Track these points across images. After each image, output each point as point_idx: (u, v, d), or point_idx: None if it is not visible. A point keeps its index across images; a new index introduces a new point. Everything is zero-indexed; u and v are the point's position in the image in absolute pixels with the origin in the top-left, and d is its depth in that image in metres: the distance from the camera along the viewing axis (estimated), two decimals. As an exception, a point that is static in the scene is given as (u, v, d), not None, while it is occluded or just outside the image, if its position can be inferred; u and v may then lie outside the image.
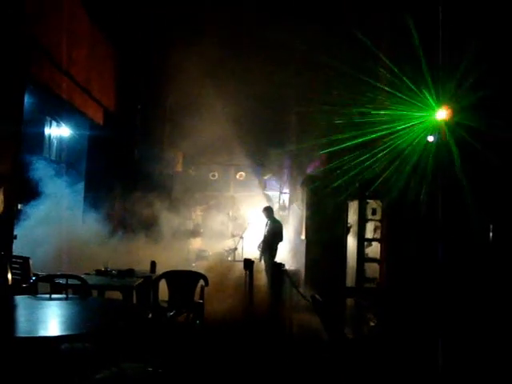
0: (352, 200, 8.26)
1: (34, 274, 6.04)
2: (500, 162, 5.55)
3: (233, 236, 14.02)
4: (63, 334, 3.47)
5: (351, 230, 8.30)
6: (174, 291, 6.29)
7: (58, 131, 10.80)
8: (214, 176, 16.21)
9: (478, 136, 5.85)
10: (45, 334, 3.44)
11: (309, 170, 11.60)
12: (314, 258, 9.84)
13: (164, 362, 5.10)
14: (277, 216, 10.55)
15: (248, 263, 8.44)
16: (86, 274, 6.31)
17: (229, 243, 13.52)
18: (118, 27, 10.10)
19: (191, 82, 10.71)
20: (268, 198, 16.32)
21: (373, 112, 7.46)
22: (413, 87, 6.60)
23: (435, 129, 6.52)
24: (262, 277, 9.51)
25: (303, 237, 10.65)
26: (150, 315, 5.87)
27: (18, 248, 6.67)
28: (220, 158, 15.42)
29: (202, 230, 13.78)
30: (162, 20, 10.37)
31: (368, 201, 7.77)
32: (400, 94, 6.87)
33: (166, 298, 6.35)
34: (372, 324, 7.20)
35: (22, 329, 3.61)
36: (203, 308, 6.38)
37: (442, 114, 6.36)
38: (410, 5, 6.88)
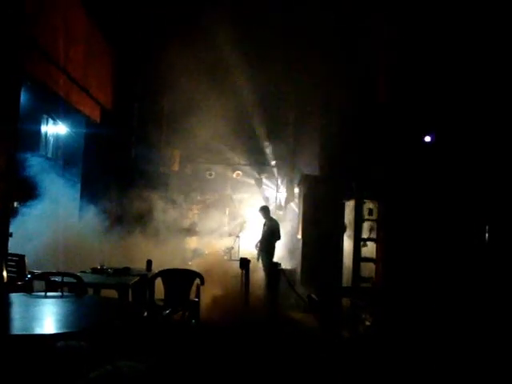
0: (348, 200, 8.27)
1: (30, 272, 6.03)
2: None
3: (229, 235, 13.99)
4: (58, 331, 3.45)
5: (347, 229, 8.31)
6: (169, 290, 6.29)
7: (55, 129, 10.78)
8: (210, 175, 16.15)
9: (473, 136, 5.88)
10: (40, 332, 3.43)
11: (305, 170, 11.60)
12: (310, 257, 9.85)
13: (159, 361, 5.10)
14: (273, 215, 10.53)
15: (244, 262, 8.44)
16: (81, 272, 6.30)
17: (225, 242, 13.49)
18: (116, 24, 10.07)
19: (189, 80, 10.70)
20: (265, 197, 16.31)
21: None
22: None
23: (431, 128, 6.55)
24: (258, 276, 9.51)
25: (299, 236, 10.66)
26: (146, 313, 5.87)
27: (13, 246, 6.65)
28: (217, 157, 15.39)
29: (198, 229, 13.75)
30: (160, 17, 10.34)
31: (364, 200, 7.77)
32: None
33: (162, 297, 6.35)
34: (368, 324, 7.21)
35: (17, 326, 3.59)
36: (199, 306, 6.38)
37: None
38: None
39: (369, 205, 7.78)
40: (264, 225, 10.28)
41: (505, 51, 5.66)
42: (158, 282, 6.29)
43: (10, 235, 6.69)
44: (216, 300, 8.09)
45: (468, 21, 6.06)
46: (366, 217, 7.79)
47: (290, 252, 11.43)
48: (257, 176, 16.49)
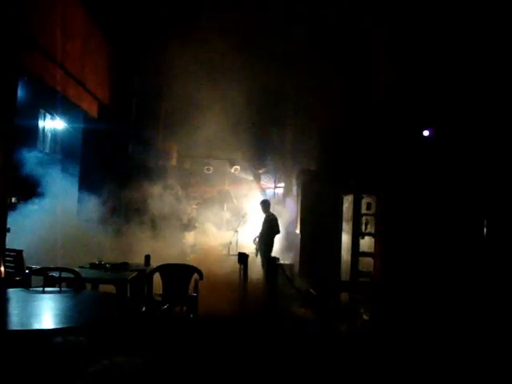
0: (346, 194, 8.27)
1: (28, 267, 6.02)
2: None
3: (228, 230, 14.01)
4: (56, 327, 3.45)
5: (345, 224, 8.32)
6: (168, 285, 6.28)
7: (53, 124, 10.76)
8: (208, 170, 16.14)
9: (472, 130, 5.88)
10: (38, 327, 3.43)
11: (304, 164, 11.59)
12: (309, 251, 9.87)
13: (157, 356, 5.11)
14: (272, 210, 10.54)
15: (242, 257, 8.46)
16: (80, 267, 6.29)
17: (224, 237, 13.51)
18: (114, 20, 10.03)
19: (187, 75, 10.67)
20: (263, 192, 16.32)
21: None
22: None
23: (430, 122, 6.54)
24: (256, 270, 9.52)
25: (298, 230, 10.67)
26: (144, 309, 5.87)
27: (11, 241, 6.64)
28: (215, 152, 15.37)
29: (196, 224, 13.77)
30: (158, 13, 10.31)
31: (363, 195, 7.77)
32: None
33: (160, 292, 6.35)
34: (366, 318, 7.22)
35: (15, 322, 3.59)
36: (197, 301, 6.38)
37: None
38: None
39: (367, 199, 7.78)
40: (264, 219, 10.26)
41: (502, 47, 5.65)
42: (157, 276, 6.29)
43: (8, 230, 6.69)
44: (214, 295, 8.09)
45: (465, 16, 6.04)
46: (365, 211, 7.79)
47: (289, 247, 11.45)
48: (255, 171, 16.49)
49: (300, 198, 10.70)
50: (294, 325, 7.36)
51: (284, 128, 13.61)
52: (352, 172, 8.19)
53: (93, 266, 6.60)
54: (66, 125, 10.70)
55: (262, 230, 10.09)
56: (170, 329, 6.10)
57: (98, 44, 9.90)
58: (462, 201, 6.12)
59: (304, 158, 11.85)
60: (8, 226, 6.72)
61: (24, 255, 6.40)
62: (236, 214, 15.50)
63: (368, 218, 7.69)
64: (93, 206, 9.40)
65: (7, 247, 6.54)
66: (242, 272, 8.42)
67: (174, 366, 5.04)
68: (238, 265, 8.48)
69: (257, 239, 10.21)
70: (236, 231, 13.78)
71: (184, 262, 6.58)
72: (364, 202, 7.81)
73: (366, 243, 7.77)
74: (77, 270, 5.42)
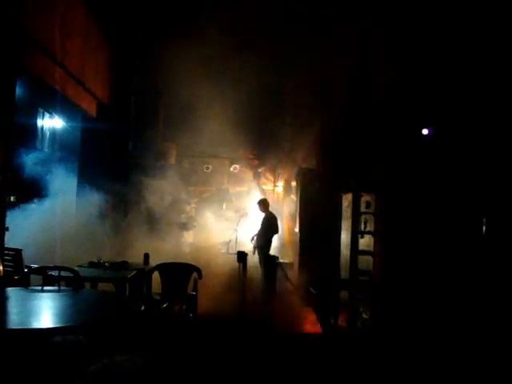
0: (346, 193, 8.26)
1: (26, 266, 6.02)
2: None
3: (227, 228, 14.01)
4: (55, 326, 3.45)
5: (344, 222, 8.31)
6: (167, 283, 6.28)
7: (51, 123, 10.73)
8: (207, 168, 16.16)
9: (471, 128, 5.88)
10: (37, 326, 3.42)
11: (303, 163, 11.59)
12: (308, 250, 9.86)
13: (156, 354, 5.10)
14: (271, 209, 10.53)
15: (241, 256, 8.43)
16: (79, 266, 6.29)
17: (223, 235, 13.52)
18: (113, 18, 10.02)
19: (186, 74, 10.66)
20: (262, 191, 16.31)
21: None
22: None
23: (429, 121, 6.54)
24: (255, 270, 9.51)
25: (297, 229, 10.67)
26: (143, 307, 5.87)
27: (9, 240, 6.63)
28: (214, 151, 15.37)
29: (195, 223, 13.77)
30: (157, 12, 10.30)
31: (362, 194, 7.77)
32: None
33: (160, 291, 6.35)
34: (365, 317, 7.22)
35: (14, 321, 3.58)
36: (196, 300, 6.38)
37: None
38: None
39: (366, 198, 7.77)
40: (262, 218, 10.25)
41: (501, 45, 5.64)
42: (156, 275, 6.28)
43: (7, 229, 6.68)
44: (213, 294, 8.09)
45: (464, 15, 6.04)
46: (364, 210, 7.79)
47: (288, 245, 11.46)
48: (254, 169, 16.48)
49: (299, 196, 10.70)
50: (293, 324, 7.36)
51: (283, 127, 13.59)
52: (351, 171, 8.18)
53: (92, 264, 6.60)
54: (64, 124, 10.68)
55: (261, 228, 10.08)
56: (169, 328, 6.10)
57: (98, 43, 9.89)
58: (461, 199, 6.12)
59: (303, 156, 11.85)
60: (7, 225, 6.72)
61: (23, 254, 6.39)
62: (235, 212, 15.49)
63: (367, 216, 7.69)
64: (91, 204, 9.38)
65: (6, 246, 6.53)
66: (241, 270, 8.41)
67: (173, 365, 5.04)
68: (237, 263, 8.47)
69: (254, 238, 10.19)
70: (235, 230, 13.79)
71: (183, 261, 6.57)
72: (363, 200, 7.80)
73: (366, 242, 7.77)
74: (76, 268, 5.41)
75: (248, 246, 10.56)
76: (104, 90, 10.41)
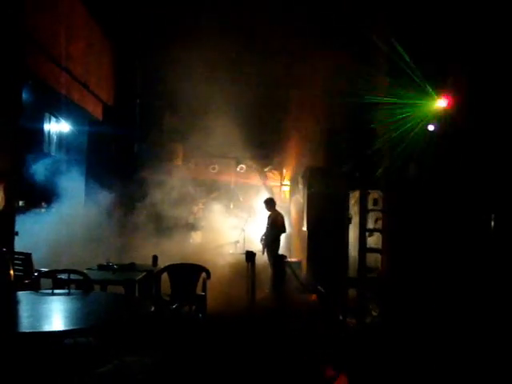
0: (353, 191, 8.25)
1: (36, 270, 6.05)
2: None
3: (234, 228, 14.01)
4: (66, 328, 3.47)
5: (352, 220, 8.30)
6: (176, 284, 6.30)
7: (58, 127, 10.78)
8: (214, 169, 16.17)
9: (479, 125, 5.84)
10: (48, 329, 3.45)
11: (309, 161, 11.57)
12: (316, 248, 9.85)
13: (166, 355, 5.12)
14: (278, 208, 10.53)
15: (250, 255, 8.44)
16: (88, 268, 6.32)
17: (230, 236, 13.52)
18: (116, 20, 10.06)
19: (190, 75, 10.68)
20: (269, 190, 16.29)
21: (372, 99, 7.43)
22: (413, 75, 6.57)
23: (436, 117, 6.50)
24: (264, 269, 9.51)
25: (305, 228, 10.66)
26: (153, 309, 5.88)
27: (19, 244, 6.68)
28: (220, 151, 15.37)
29: (203, 224, 13.78)
30: (160, 13, 10.31)
31: (369, 191, 7.75)
32: (400, 81, 6.83)
33: (169, 292, 6.37)
34: (374, 314, 7.21)
35: (26, 324, 3.61)
36: (205, 300, 6.39)
37: (443, 102, 6.35)
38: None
39: (374, 195, 7.76)
40: (269, 217, 10.25)
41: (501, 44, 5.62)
42: (165, 276, 6.31)
43: (16, 234, 6.73)
44: (222, 294, 8.10)
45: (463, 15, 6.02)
46: (371, 207, 7.77)
47: (296, 244, 11.45)
48: (261, 169, 16.47)
49: (306, 195, 10.69)
50: (302, 322, 7.35)
51: (289, 125, 13.57)
52: (358, 168, 8.16)
53: (101, 267, 6.62)
54: (71, 127, 10.73)
55: (268, 228, 10.09)
56: (178, 328, 6.11)
57: (102, 46, 9.93)
58: (469, 195, 6.09)
59: (310, 155, 11.83)
60: (16, 230, 6.76)
61: (33, 258, 6.43)
62: (242, 212, 15.49)
63: (375, 213, 7.68)
64: (99, 207, 9.43)
65: (16, 250, 6.57)
66: (249, 270, 8.41)
67: (183, 366, 5.06)
68: (245, 263, 8.47)
69: (263, 237, 10.21)
70: (243, 230, 13.80)
71: (191, 262, 6.59)
72: (370, 197, 7.79)
73: (374, 239, 7.75)
74: (85, 271, 5.44)
75: (256, 245, 10.57)
76: (109, 92, 10.45)
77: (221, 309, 7.42)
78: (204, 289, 6.40)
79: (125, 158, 10.87)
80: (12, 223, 6.71)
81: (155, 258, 7.16)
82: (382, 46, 7.26)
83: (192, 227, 13.11)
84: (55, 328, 3.54)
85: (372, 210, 7.71)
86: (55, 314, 4.00)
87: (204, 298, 6.37)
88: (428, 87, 6.44)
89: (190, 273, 6.37)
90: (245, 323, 7.00)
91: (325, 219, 9.46)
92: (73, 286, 5.19)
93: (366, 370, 5.25)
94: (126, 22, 10.31)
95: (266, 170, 16.52)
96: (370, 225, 7.81)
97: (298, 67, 10.64)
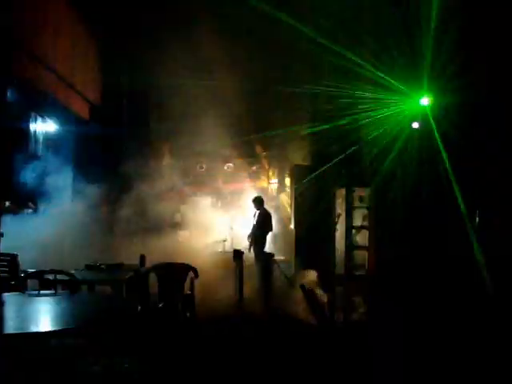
0: (339, 188, 8.30)
1: (23, 271, 6.03)
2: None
3: (222, 227, 14.00)
4: (53, 329, 3.48)
5: (340, 217, 8.34)
6: (163, 284, 6.30)
7: (44, 127, 10.70)
8: (201, 168, 16.15)
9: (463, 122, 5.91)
10: (35, 330, 3.45)
11: (296, 160, 11.62)
12: (303, 246, 9.89)
13: (154, 355, 5.13)
14: (266, 206, 10.56)
15: (238, 254, 8.47)
16: (75, 269, 6.30)
17: (218, 234, 13.51)
18: (102, 20, 10.01)
19: (177, 74, 10.65)
20: (257, 189, 16.31)
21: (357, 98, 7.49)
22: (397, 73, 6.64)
23: (419, 115, 6.57)
24: (252, 267, 9.53)
25: (292, 226, 10.70)
26: (140, 308, 5.88)
27: (5, 245, 6.63)
28: (208, 150, 15.35)
29: (190, 222, 13.75)
30: (146, 13, 10.28)
31: (355, 188, 7.80)
32: (384, 80, 6.89)
33: (156, 291, 6.37)
34: (362, 311, 7.27)
35: (12, 325, 3.61)
36: (193, 300, 6.41)
37: (426, 100, 6.42)
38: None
39: (360, 192, 7.81)
40: (254, 215, 10.28)
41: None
42: (152, 276, 6.31)
43: (1, 235, 6.68)
44: (210, 293, 8.11)
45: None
46: (358, 204, 7.82)
47: (283, 242, 11.48)
48: (248, 167, 16.49)
49: (293, 193, 10.73)
50: (289, 320, 7.39)
51: (277, 124, 13.59)
52: (344, 166, 8.22)
53: (88, 267, 6.62)
54: (58, 127, 10.67)
55: (254, 226, 10.13)
56: (166, 328, 6.12)
57: (87, 46, 9.89)
58: (454, 192, 6.17)
59: (297, 153, 11.88)
60: (2, 231, 6.72)
61: (19, 259, 6.40)
62: (230, 211, 15.49)
63: (361, 211, 7.73)
64: (87, 207, 9.39)
65: (1, 252, 6.53)
66: (237, 269, 8.44)
67: (171, 365, 5.07)
68: (233, 262, 8.50)
69: (250, 235, 10.23)
70: (231, 228, 13.80)
71: (179, 261, 6.59)
72: (357, 195, 7.84)
73: (362, 236, 7.80)
74: (73, 272, 5.44)
75: (244, 243, 10.59)
76: (95, 92, 10.41)
77: (209, 307, 7.44)
78: (192, 288, 6.42)
79: (112, 157, 10.84)
80: (-3, 224, 6.67)
81: (143, 257, 7.16)
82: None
83: (179, 226, 13.10)
84: (42, 329, 3.55)
85: (358, 208, 7.76)
86: (42, 315, 4.00)
87: (192, 297, 6.39)
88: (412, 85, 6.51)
89: (178, 272, 6.38)
90: (233, 323, 7.03)
91: (312, 217, 9.50)
92: (59, 286, 5.18)
93: (353, 366, 5.30)
94: (112, 21, 10.26)
95: (253, 168, 16.55)
96: (358, 222, 7.86)
97: (287, 67, 10.68)
